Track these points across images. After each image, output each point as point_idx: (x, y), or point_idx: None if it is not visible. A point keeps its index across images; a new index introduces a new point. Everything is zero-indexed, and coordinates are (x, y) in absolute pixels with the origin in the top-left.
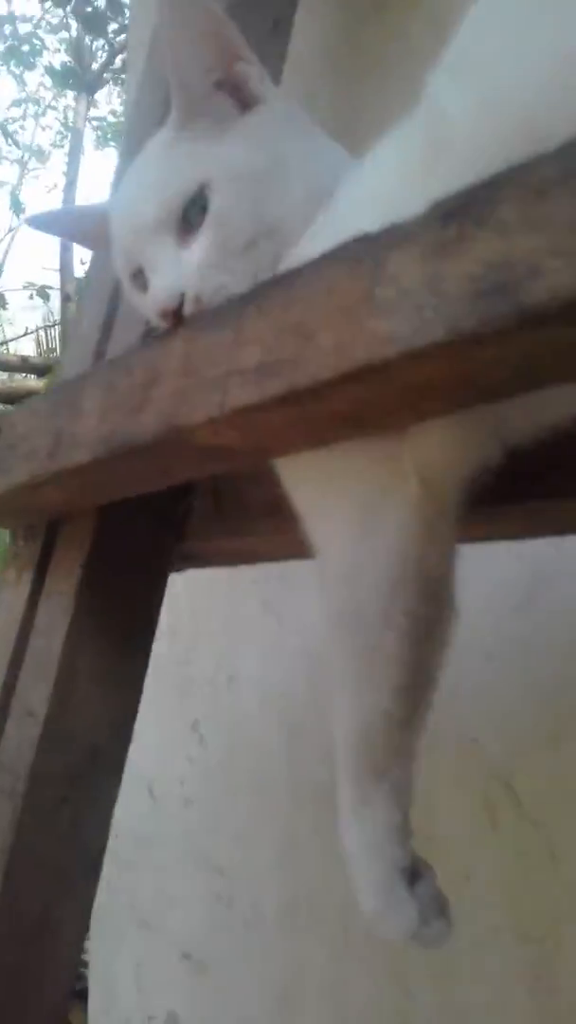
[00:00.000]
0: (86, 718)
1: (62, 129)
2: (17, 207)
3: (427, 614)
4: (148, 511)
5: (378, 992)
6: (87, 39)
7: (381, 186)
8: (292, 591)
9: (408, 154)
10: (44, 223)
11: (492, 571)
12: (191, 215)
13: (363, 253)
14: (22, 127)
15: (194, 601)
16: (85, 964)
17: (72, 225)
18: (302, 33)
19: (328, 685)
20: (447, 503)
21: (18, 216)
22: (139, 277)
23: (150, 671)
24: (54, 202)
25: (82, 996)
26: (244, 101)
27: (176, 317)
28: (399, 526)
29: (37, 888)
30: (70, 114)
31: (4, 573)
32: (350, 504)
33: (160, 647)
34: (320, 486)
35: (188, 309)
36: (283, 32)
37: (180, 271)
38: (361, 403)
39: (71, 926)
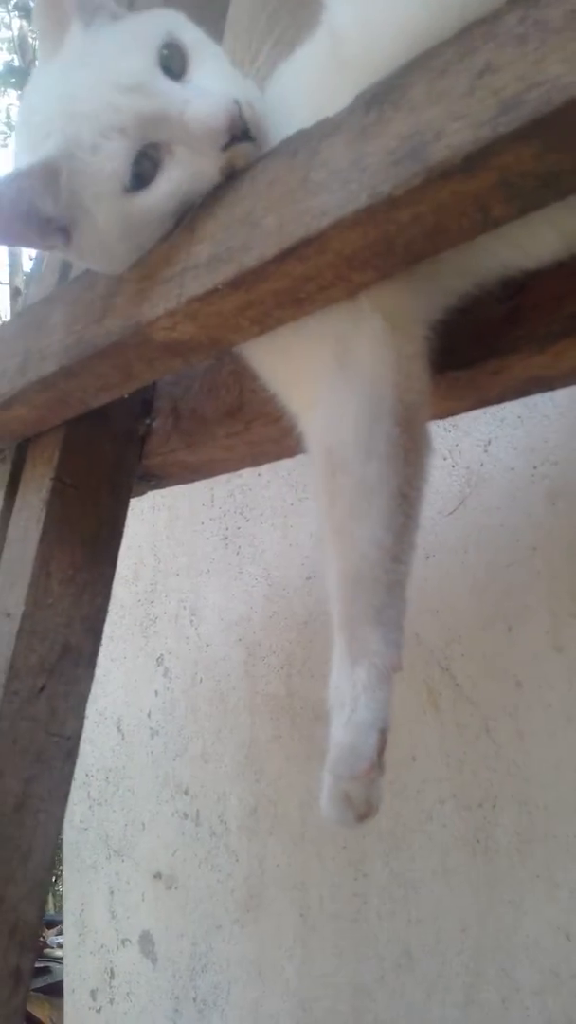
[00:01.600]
0: (59, 617)
1: (5, 128)
2: None
3: (405, 442)
4: (110, 431)
5: (336, 878)
6: (31, 36)
7: (302, 94)
8: (250, 522)
9: (316, 66)
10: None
11: (431, 479)
12: (169, 65)
13: (300, 145)
14: None
15: (156, 543)
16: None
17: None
18: None
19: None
20: (411, 334)
21: None
22: (134, 172)
23: (115, 614)
24: None
25: (49, 992)
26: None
27: (241, 128)
28: (372, 354)
29: (19, 768)
30: (13, 112)
31: None
32: (324, 348)
33: (124, 590)
34: (294, 348)
35: (247, 111)
36: None
37: (211, 91)
38: (300, 278)
39: (49, 804)
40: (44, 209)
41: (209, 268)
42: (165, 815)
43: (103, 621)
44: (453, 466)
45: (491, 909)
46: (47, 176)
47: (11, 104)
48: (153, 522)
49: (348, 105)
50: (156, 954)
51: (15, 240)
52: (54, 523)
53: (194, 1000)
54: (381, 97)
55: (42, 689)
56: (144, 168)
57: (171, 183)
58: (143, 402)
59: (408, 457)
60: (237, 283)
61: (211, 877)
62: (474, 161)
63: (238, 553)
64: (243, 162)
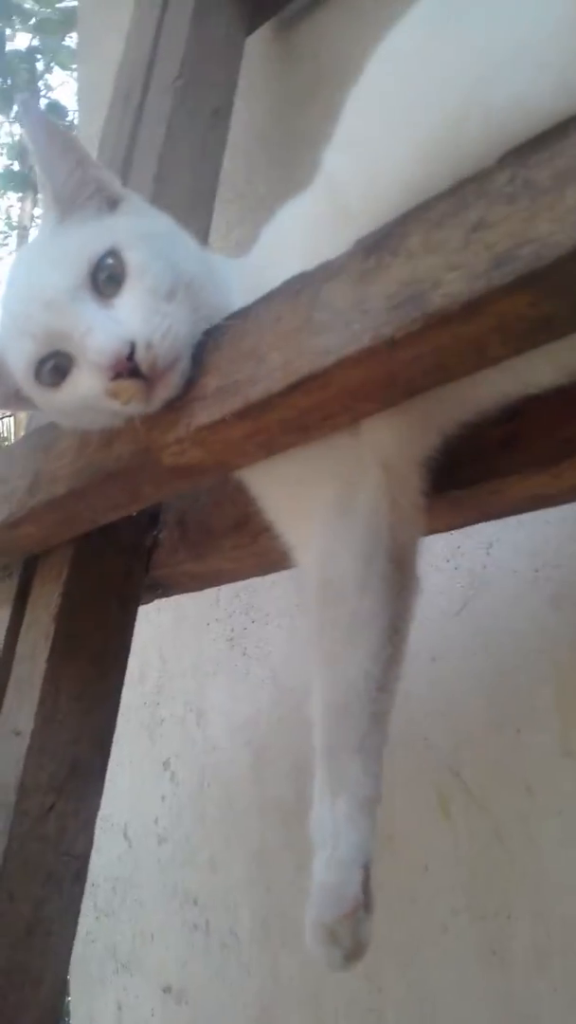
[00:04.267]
0: (68, 733)
1: (5, 228)
2: None
3: (397, 579)
4: (118, 544)
5: (350, 992)
6: None
7: (298, 239)
8: (256, 623)
9: (314, 216)
10: None
11: (433, 582)
12: (99, 281)
13: (302, 286)
14: None
15: (162, 644)
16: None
17: None
18: (241, 121)
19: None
20: (408, 482)
21: None
22: (48, 366)
23: (121, 716)
24: None
25: None
26: (110, 199)
27: (128, 368)
28: (369, 504)
29: (29, 891)
30: (13, 213)
31: None
32: (325, 495)
33: (130, 692)
34: (295, 488)
35: (142, 355)
36: (222, 121)
37: (119, 323)
38: (306, 410)
39: (61, 926)
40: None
41: (217, 399)
42: (174, 926)
43: (112, 735)
44: (456, 568)
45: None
46: None
47: (10, 206)
48: (159, 623)
49: (348, 250)
50: None
51: None
52: (63, 639)
53: None
54: (380, 244)
55: (51, 808)
56: (61, 367)
57: (75, 391)
58: (150, 515)
59: (400, 593)
60: (243, 414)
61: (222, 991)
62: (471, 309)
63: (244, 654)
64: (124, 398)
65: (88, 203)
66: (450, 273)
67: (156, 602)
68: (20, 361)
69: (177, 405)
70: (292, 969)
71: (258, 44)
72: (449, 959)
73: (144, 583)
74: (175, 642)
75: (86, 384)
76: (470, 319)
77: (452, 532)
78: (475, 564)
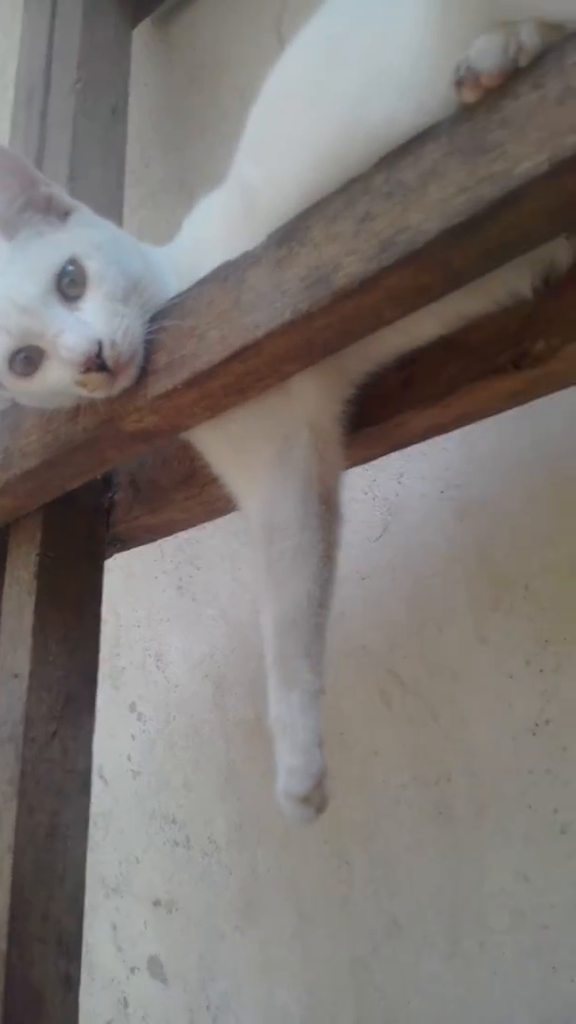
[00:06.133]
0: (60, 670)
1: None
2: None
3: (327, 516)
4: (81, 507)
5: (322, 871)
6: None
7: (218, 232)
8: (200, 571)
9: (230, 213)
10: None
11: (356, 511)
12: (64, 286)
13: (229, 273)
14: None
15: (115, 600)
16: None
17: None
18: (133, 109)
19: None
20: (331, 435)
21: None
22: (20, 358)
23: None
24: None
25: None
26: (58, 212)
27: (96, 364)
28: (303, 457)
29: (44, 803)
30: None
31: None
32: (267, 451)
33: None
34: (239, 446)
35: (108, 352)
36: (121, 116)
37: (88, 324)
38: (242, 375)
39: (75, 830)
40: None
41: (167, 372)
42: (157, 846)
43: (96, 669)
44: (373, 499)
45: (460, 869)
46: None
47: None
48: (109, 582)
49: (264, 242)
50: (165, 975)
51: None
52: (45, 592)
53: (207, 1008)
54: (290, 236)
55: (54, 734)
56: (32, 358)
57: (45, 380)
58: (104, 479)
59: (330, 527)
60: (191, 383)
61: (208, 894)
62: (367, 285)
63: (194, 600)
64: (92, 387)
65: (41, 218)
66: (348, 257)
67: (106, 561)
68: None
69: None
70: (269, 862)
71: (142, 36)
72: (403, 826)
73: (106, 539)
74: (127, 596)
75: (57, 375)
76: (367, 292)
77: (367, 467)
78: (389, 493)
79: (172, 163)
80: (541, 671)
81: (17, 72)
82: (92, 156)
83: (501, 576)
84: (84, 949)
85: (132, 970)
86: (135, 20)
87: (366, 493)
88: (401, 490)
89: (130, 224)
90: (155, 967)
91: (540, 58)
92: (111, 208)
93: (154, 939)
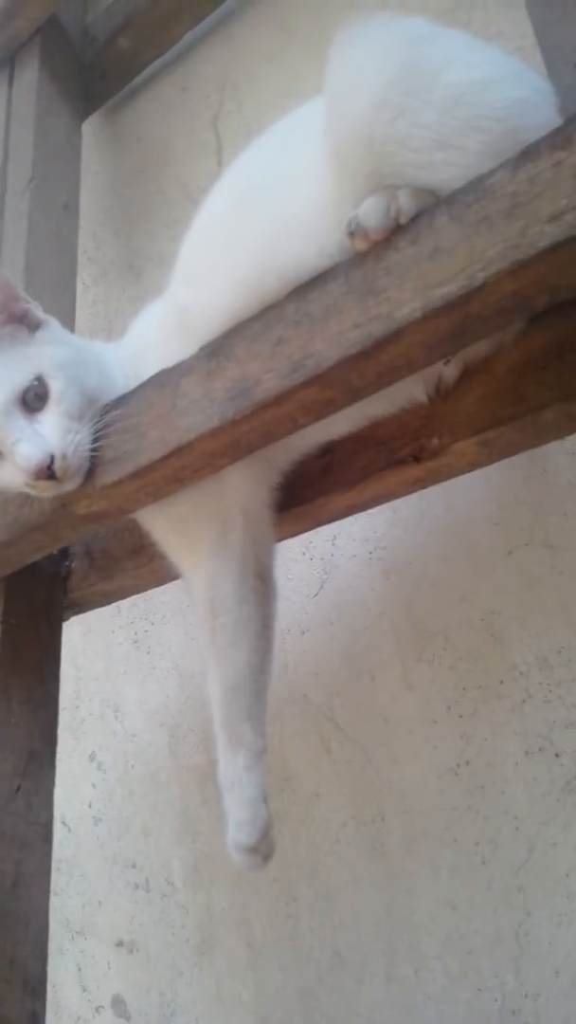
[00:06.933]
0: (23, 730)
1: None
2: None
3: (263, 590)
4: (40, 577)
5: (271, 907)
6: None
7: (156, 342)
8: (155, 625)
9: (167, 325)
10: None
11: (295, 571)
12: (28, 398)
13: (166, 380)
14: None
15: (75, 655)
16: None
17: None
18: (84, 195)
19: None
20: (261, 518)
21: None
22: None
23: None
24: None
25: None
26: (30, 325)
27: (46, 474)
28: (239, 540)
29: (9, 854)
30: None
31: None
32: (206, 535)
33: None
34: (182, 529)
35: (59, 465)
36: (73, 210)
37: (44, 438)
38: (179, 468)
39: (38, 878)
40: None
41: (114, 465)
42: (118, 889)
43: (56, 728)
44: (311, 559)
45: (394, 900)
46: None
47: None
48: (68, 637)
49: (195, 354)
50: (129, 1012)
51: None
52: (8, 657)
53: None
54: (217, 351)
55: (18, 789)
56: None
57: (11, 478)
58: (61, 550)
59: (266, 600)
60: (135, 475)
61: (167, 933)
62: (282, 398)
63: (149, 652)
64: (39, 490)
65: (14, 330)
66: (266, 374)
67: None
68: None
69: None
70: (223, 901)
71: (91, 127)
72: (343, 862)
73: (64, 604)
74: (86, 651)
75: (11, 475)
76: (282, 403)
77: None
78: (325, 553)
79: (121, 246)
80: (460, 716)
81: None
82: (46, 249)
83: (424, 628)
84: (51, 990)
85: (97, 1009)
86: (85, 113)
87: (304, 553)
88: (335, 551)
89: (84, 300)
90: (119, 1005)
91: (416, 218)
92: (64, 295)
93: (117, 978)
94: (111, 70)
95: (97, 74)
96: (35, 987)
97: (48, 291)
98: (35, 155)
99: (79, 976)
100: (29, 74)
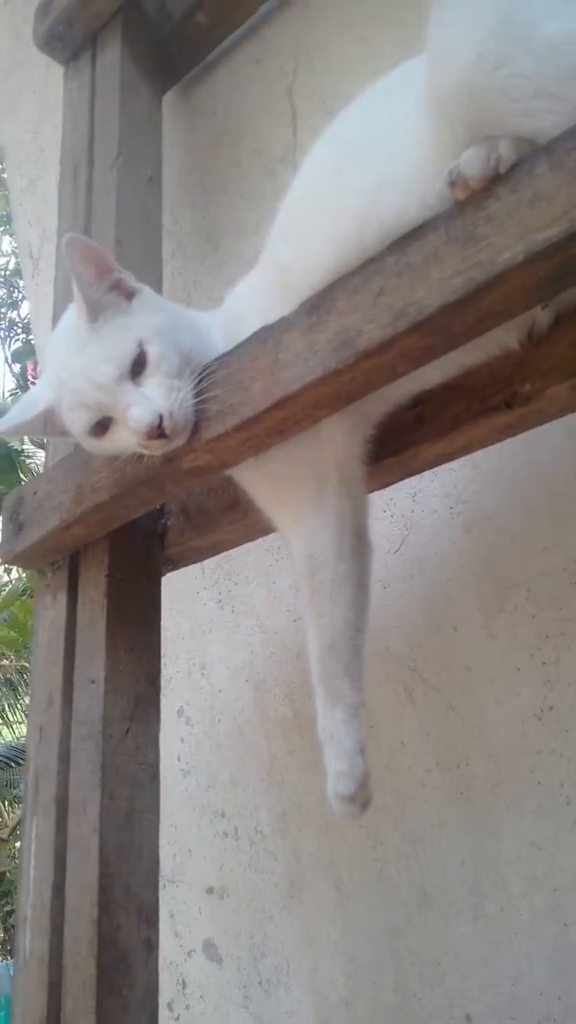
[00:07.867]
0: (130, 676)
1: None
2: None
3: (360, 547)
4: (140, 533)
5: (358, 851)
6: None
7: (255, 303)
8: (238, 585)
9: (266, 286)
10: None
11: (376, 528)
12: (132, 367)
13: (268, 335)
14: None
15: (162, 616)
16: None
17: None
18: (166, 173)
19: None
20: (354, 470)
21: None
22: (97, 426)
23: None
24: None
25: None
26: (126, 294)
27: (157, 433)
28: (335, 496)
29: (122, 791)
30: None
31: (38, 600)
32: (303, 492)
33: None
34: (278, 487)
35: (168, 423)
36: (156, 184)
37: (151, 400)
38: (282, 420)
39: (148, 815)
40: (47, 428)
41: (218, 419)
42: (207, 838)
43: (159, 674)
44: (392, 516)
45: (480, 842)
46: (46, 415)
47: None
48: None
49: (296, 310)
50: (220, 955)
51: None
52: (114, 608)
53: (259, 983)
54: (318, 306)
55: (128, 731)
56: (104, 423)
57: (114, 441)
58: (159, 507)
59: (362, 557)
60: (239, 428)
61: (256, 878)
62: (383, 347)
63: (233, 611)
64: (152, 449)
65: (111, 299)
66: (367, 325)
67: None
68: (77, 423)
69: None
70: (310, 847)
71: (169, 102)
72: (429, 807)
73: (162, 559)
74: (173, 612)
75: (124, 438)
76: (383, 353)
77: (385, 489)
78: (405, 510)
79: (198, 218)
80: (543, 663)
81: (62, 148)
82: (134, 222)
83: (506, 580)
84: None
85: (189, 953)
86: (163, 89)
87: (385, 511)
88: (416, 507)
89: (163, 274)
90: (210, 949)
91: (515, 167)
92: (152, 266)
93: (208, 924)
94: (188, 46)
95: (175, 51)
96: (149, 916)
97: (137, 263)
98: (120, 132)
99: (172, 922)
100: (111, 53)
